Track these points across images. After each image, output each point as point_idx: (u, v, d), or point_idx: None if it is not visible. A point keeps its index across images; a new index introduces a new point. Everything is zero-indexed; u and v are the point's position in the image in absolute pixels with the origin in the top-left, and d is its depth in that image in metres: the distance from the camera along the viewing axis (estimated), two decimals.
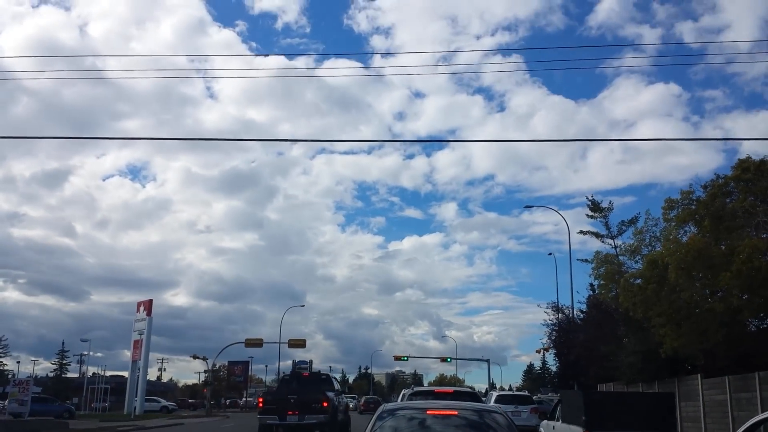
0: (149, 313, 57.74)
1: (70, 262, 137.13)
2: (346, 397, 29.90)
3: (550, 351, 52.72)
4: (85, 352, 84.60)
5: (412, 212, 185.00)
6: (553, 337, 47.32)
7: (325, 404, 20.91)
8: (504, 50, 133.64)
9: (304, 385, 22.71)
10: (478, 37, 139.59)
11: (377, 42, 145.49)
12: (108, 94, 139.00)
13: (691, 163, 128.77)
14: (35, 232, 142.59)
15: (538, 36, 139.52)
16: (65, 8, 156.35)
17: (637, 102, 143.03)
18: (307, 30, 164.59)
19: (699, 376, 25.86)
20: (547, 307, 48.04)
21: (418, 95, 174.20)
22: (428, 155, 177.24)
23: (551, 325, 47.44)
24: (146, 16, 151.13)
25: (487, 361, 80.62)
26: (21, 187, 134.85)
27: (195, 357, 73.78)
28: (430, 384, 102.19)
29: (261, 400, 23.18)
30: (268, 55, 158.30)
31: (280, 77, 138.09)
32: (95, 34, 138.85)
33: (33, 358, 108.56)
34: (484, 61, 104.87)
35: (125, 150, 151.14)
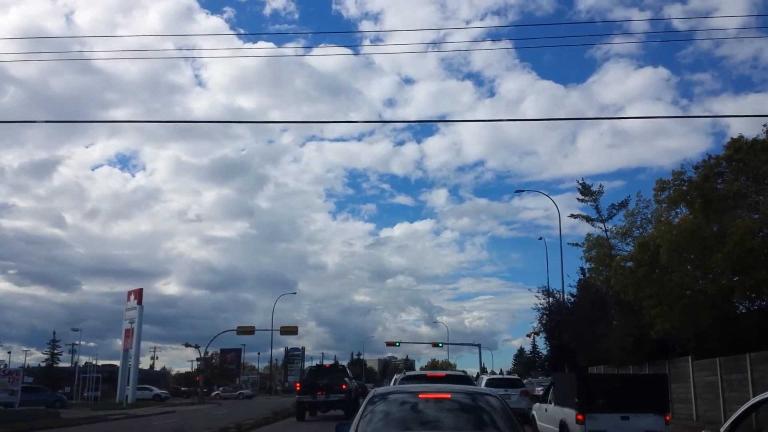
0: (140, 302, 57.35)
1: (60, 253, 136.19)
2: (356, 382, 36.77)
3: (541, 335, 52.96)
4: (77, 342, 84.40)
5: (402, 199, 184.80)
6: (544, 321, 47.50)
7: (343, 387, 28.21)
8: (493, 35, 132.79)
9: (327, 373, 29.47)
10: (467, 22, 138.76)
11: (366, 27, 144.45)
12: (96, 83, 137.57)
13: (680, 146, 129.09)
14: (25, 222, 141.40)
15: (528, 20, 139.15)
16: None
17: (626, 86, 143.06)
18: (296, 16, 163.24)
19: (690, 358, 25.94)
20: (537, 292, 48.19)
21: (408, 81, 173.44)
22: (418, 142, 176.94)
23: (542, 309, 47.61)
24: (133, 4, 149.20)
25: (478, 345, 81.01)
26: (9, 178, 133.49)
27: (187, 345, 73.66)
28: (422, 369, 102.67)
29: (298, 384, 30.20)
30: (256, 41, 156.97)
31: (270, 64, 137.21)
32: (82, 23, 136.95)
33: (24, 348, 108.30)
34: (473, 46, 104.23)
35: (114, 139, 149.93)
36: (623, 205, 36.67)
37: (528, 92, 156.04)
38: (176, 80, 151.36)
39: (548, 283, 53.92)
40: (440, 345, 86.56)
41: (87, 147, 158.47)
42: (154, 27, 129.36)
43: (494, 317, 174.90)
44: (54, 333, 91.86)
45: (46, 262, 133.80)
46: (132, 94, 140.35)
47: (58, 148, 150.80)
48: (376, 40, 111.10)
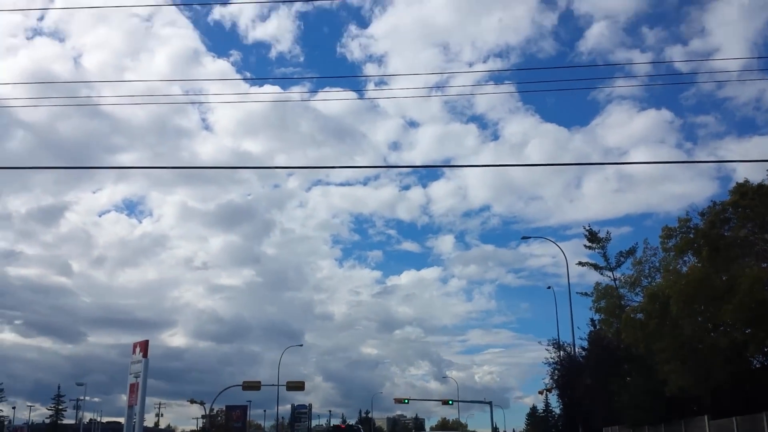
0: (145, 355, 56.27)
1: (66, 302, 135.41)
2: None
3: (553, 392, 51.37)
4: (81, 397, 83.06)
5: (409, 245, 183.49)
6: (556, 377, 46.11)
7: None
8: (496, 77, 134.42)
9: None
10: (470, 65, 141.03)
11: (371, 70, 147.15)
12: (103, 127, 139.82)
13: (685, 191, 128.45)
14: (31, 270, 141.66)
15: (530, 63, 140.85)
16: (60, 40, 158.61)
17: (629, 129, 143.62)
18: (301, 59, 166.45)
19: (706, 417, 24.93)
20: (548, 345, 46.93)
21: (413, 124, 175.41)
22: (424, 186, 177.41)
23: (553, 363, 46.28)
24: (141, 47, 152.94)
25: (490, 403, 78.75)
26: (17, 224, 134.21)
27: (193, 401, 72.46)
28: (432, 429, 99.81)
29: None
30: (263, 85, 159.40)
31: (276, 108, 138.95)
32: (90, 66, 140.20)
33: (29, 404, 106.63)
34: (476, 89, 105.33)
35: (121, 184, 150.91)
36: (631, 252, 36.01)
37: (532, 135, 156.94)
38: (183, 124, 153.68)
39: (558, 336, 52.54)
40: (450, 402, 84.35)
41: (94, 192, 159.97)
42: (162, 71, 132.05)
43: (505, 372, 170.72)
44: (59, 387, 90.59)
45: (52, 312, 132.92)
46: (139, 139, 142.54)
47: (66, 193, 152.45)
48: (381, 83, 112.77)
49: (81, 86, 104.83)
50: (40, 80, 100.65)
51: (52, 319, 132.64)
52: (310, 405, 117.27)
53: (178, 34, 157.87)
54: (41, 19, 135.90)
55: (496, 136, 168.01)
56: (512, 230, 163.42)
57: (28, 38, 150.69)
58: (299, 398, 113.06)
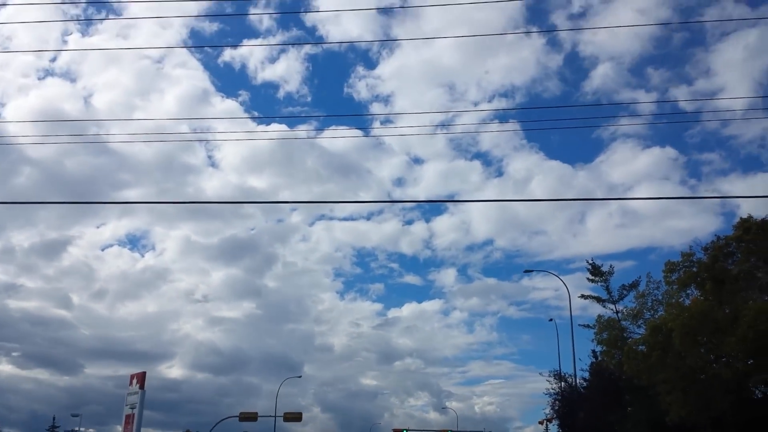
0: (142, 386, 56.28)
1: (66, 334, 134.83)
2: None
3: (554, 422, 51.31)
4: (76, 428, 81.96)
5: (411, 278, 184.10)
6: (556, 407, 46.16)
7: None
8: (501, 116, 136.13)
9: None
10: (475, 104, 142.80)
11: (377, 109, 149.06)
12: (110, 164, 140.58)
13: (689, 226, 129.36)
14: (31, 303, 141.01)
15: (535, 101, 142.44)
16: (71, 80, 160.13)
17: (633, 166, 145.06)
18: (308, 99, 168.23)
19: None
20: (549, 376, 47.06)
21: (417, 161, 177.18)
22: (427, 221, 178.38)
23: (554, 394, 46.36)
24: (151, 87, 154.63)
25: None
26: (19, 258, 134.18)
27: None
28: None
29: None
30: (270, 123, 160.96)
31: (282, 145, 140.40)
32: (100, 105, 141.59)
33: None
34: (481, 127, 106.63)
35: (125, 219, 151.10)
36: (634, 286, 36.48)
37: (536, 172, 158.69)
38: (190, 161, 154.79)
39: (560, 367, 52.55)
40: None
41: (98, 227, 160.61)
42: (171, 110, 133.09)
43: (505, 402, 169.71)
44: (54, 418, 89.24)
45: (51, 344, 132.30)
46: (146, 175, 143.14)
47: (70, 228, 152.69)
48: (387, 122, 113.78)
49: (90, 124, 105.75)
50: (50, 118, 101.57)
51: (51, 351, 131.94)
52: None
53: (189, 74, 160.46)
54: (53, 60, 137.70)
55: (500, 173, 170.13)
56: (515, 264, 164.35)
57: (39, 78, 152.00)
58: (296, 429, 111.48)
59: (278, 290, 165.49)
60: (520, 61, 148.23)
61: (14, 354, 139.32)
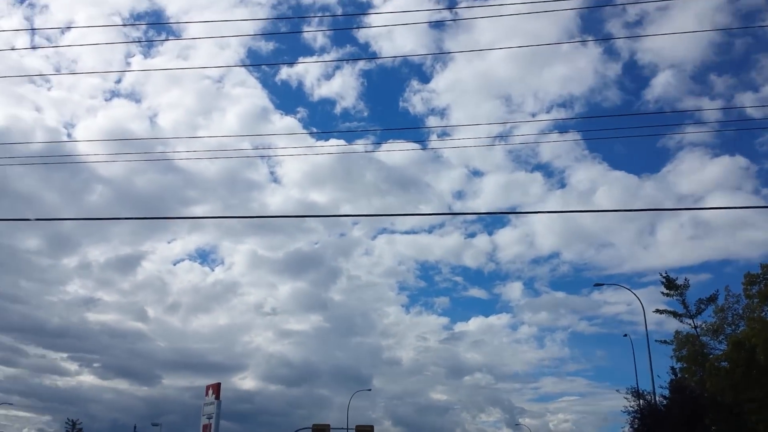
0: (218, 397, 57.78)
1: (143, 346, 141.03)
2: None
3: None
4: None
5: (476, 292, 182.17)
6: (636, 426, 44.27)
7: None
8: (560, 126, 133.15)
9: None
10: (533, 114, 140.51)
11: (433, 122, 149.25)
12: (178, 181, 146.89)
13: (766, 237, 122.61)
14: (109, 316, 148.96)
15: (594, 111, 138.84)
16: (136, 101, 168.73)
17: (703, 175, 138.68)
18: (365, 114, 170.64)
19: None
20: (626, 393, 45.25)
21: (477, 173, 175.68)
22: (490, 234, 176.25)
23: (633, 412, 44.52)
24: (213, 106, 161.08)
25: None
26: (96, 273, 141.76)
27: None
28: None
29: None
30: (328, 139, 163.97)
31: (341, 160, 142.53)
32: (164, 124, 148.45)
33: None
34: (540, 138, 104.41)
35: (194, 234, 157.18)
36: (712, 299, 34.64)
37: (600, 183, 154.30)
38: (253, 177, 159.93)
39: (637, 384, 50.48)
40: None
41: (169, 242, 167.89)
42: (232, 128, 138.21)
43: (581, 420, 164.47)
44: (135, 427, 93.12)
45: (129, 356, 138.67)
46: (211, 191, 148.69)
47: (142, 243, 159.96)
48: (444, 135, 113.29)
49: (156, 143, 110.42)
50: (118, 138, 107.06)
51: (129, 362, 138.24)
52: None
53: (248, 93, 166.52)
54: (118, 81, 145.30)
55: (562, 184, 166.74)
56: (584, 277, 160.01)
57: (106, 99, 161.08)
58: None
59: (344, 304, 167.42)
60: (577, 71, 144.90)
61: (95, 365, 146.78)
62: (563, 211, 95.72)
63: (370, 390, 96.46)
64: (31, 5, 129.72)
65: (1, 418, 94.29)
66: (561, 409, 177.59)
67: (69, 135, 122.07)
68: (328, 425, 69.34)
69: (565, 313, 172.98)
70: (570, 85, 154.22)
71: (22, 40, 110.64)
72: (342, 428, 73.77)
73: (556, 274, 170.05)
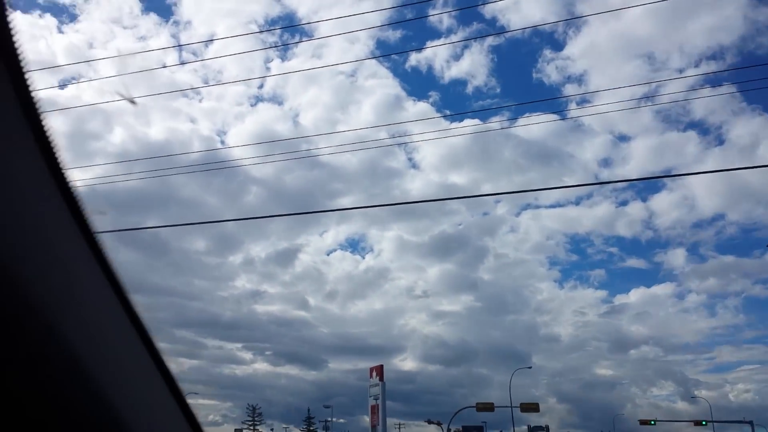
0: (381, 379, 59.78)
1: (307, 333, 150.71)
2: None
3: None
4: (329, 419, 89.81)
5: (634, 262, 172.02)
6: None
7: None
8: (711, 80, 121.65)
9: None
10: (680, 71, 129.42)
11: (570, 90, 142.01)
12: (323, 176, 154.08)
13: None
14: (275, 307, 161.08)
15: (748, 61, 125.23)
16: (278, 103, 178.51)
17: None
18: (498, 90, 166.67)
19: None
20: None
21: (623, 139, 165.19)
22: (643, 200, 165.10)
23: None
24: (349, 101, 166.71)
25: (750, 423, 70.22)
26: (259, 267, 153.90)
27: (429, 422, 74.31)
28: None
29: None
30: (462, 119, 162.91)
31: (477, 139, 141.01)
32: (306, 123, 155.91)
33: (284, 425, 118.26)
34: (690, 95, 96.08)
35: (343, 225, 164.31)
36: None
37: (763, 135, 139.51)
38: (392, 165, 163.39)
39: None
40: (704, 423, 76.71)
41: (321, 234, 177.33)
42: (369, 119, 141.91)
43: (765, 389, 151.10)
44: (308, 410, 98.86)
45: (296, 343, 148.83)
46: (355, 183, 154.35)
47: (297, 237, 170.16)
48: (583, 102, 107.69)
49: (300, 141, 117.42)
50: (266, 140, 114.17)
51: (297, 348, 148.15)
52: (547, 426, 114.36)
53: (380, 84, 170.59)
54: (261, 87, 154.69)
55: (720, 141, 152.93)
56: (754, 238, 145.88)
57: (252, 105, 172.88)
58: (534, 420, 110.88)
59: (494, 282, 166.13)
60: (725, 19, 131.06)
61: (267, 353, 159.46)
62: (725, 170, 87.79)
63: (530, 368, 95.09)
64: (176, 23, 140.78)
65: None
66: (740, 378, 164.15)
67: (222, 142, 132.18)
68: (492, 404, 69.28)
69: (737, 278, 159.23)
70: (718, 35, 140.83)
71: (171, 57, 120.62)
72: (506, 406, 73.46)
73: (722, 237, 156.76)
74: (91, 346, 1.10)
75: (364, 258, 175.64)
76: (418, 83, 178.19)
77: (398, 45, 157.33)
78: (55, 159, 1.08)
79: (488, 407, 69.47)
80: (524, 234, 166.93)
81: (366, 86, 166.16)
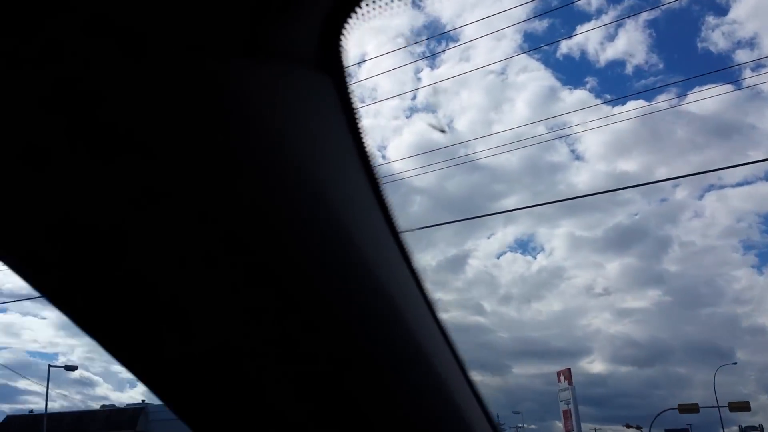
0: (570, 382, 57.73)
1: (486, 339, 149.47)
2: None
3: None
4: (520, 425, 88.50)
5: None
6: None
7: None
8: None
9: None
10: None
11: (742, 57, 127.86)
12: (484, 179, 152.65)
13: None
14: (452, 314, 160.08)
15: None
16: (432, 112, 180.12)
17: None
18: (661, 66, 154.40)
19: None
20: None
21: None
22: None
23: None
24: (501, 99, 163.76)
25: None
26: (431, 276, 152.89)
27: (628, 426, 70.42)
28: None
29: None
30: (625, 103, 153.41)
31: (643, 122, 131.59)
32: (461, 128, 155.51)
33: None
34: None
35: (510, 227, 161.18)
36: None
37: None
38: (554, 160, 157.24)
39: None
40: None
41: (488, 238, 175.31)
42: (525, 115, 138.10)
43: None
44: (497, 416, 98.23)
45: (477, 349, 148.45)
46: (517, 182, 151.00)
47: (465, 242, 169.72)
48: (759, 68, 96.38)
49: (458, 147, 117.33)
50: (425, 150, 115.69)
51: (478, 355, 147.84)
52: (761, 426, 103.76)
53: (532, 77, 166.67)
54: (414, 98, 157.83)
55: None
56: None
57: (407, 117, 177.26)
58: (746, 419, 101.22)
59: (682, 273, 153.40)
60: None
61: None
62: None
63: (735, 364, 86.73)
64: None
65: None
66: None
67: (383, 156, 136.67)
68: (696, 405, 64.26)
69: None
70: None
71: None
72: (712, 407, 67.75)
73: None
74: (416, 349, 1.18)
75: (535, 258, 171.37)
76: (573, 71, 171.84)
77: (546, 35, 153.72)
78: (370, 164, 1.18)
79: (692, 408, 64.60)
80: (711, 218, 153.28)
81: (518, 82, 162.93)
